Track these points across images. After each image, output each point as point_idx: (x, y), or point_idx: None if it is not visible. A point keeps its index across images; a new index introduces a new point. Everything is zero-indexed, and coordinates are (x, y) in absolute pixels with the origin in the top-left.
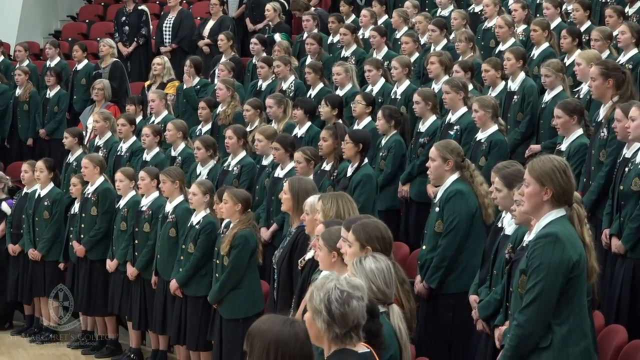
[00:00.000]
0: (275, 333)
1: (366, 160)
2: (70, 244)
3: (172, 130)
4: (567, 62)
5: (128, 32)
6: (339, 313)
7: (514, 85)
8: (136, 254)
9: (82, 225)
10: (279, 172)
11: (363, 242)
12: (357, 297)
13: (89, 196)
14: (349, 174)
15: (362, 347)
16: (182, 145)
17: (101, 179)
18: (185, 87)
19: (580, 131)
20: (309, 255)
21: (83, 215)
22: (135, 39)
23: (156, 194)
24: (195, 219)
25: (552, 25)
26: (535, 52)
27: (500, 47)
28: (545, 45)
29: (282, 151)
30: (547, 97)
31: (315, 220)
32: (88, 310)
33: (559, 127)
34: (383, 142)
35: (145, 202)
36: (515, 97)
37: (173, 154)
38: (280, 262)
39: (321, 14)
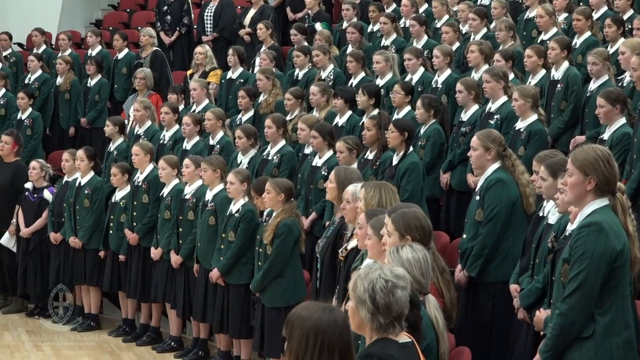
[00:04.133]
0: (315, 320)
1: (411, 148)
2: (111, 232)
3: (212, 120)
4: (611, 50)
5: (170, 22)
6: (383, 303)
7: (557, 74)
8: (180, 242)
9: (134, 214)
10: (317, 161)
11: (402, 231)
12: (401, 287)
13: (140, 184)
14: (394, 162)
15: (403, 337)
16: (220, 134)
17: (151, 166)
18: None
19: (623, 120)
20: (350, 244)
21: (134, 203)
22: (178, 28)
23: (200, 182)
24: (234, 207)
25: (598, 14)
26: (578, 41)
27: (543, 37)
28: (588, 34)
29: (320, 139)
30: (593, 85)
31: (356, 209)
32: (142, 297)
33: (601, 117)
34: (422, 131)
35: (189, 190)
36: (558, 85)
37: (211, 142)
38: (323, 252)
39: (362, 2)
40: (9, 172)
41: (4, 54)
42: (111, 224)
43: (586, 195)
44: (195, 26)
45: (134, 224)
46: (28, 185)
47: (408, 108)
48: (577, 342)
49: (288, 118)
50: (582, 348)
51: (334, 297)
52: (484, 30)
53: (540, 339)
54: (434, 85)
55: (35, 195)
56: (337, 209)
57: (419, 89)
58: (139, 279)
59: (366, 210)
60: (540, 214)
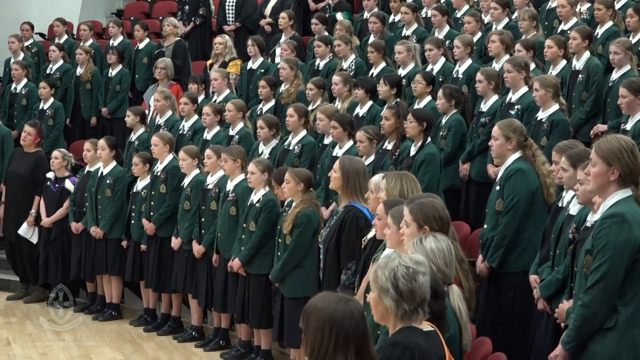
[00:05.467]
0: (330, 311)
1: (429, 139)
2: (132, 222)
3: (232, 111)
4: (633, 40)
5: (187, 12)
6: (406, 289)
7: (578, 64)
8: (202, 232)
9: (152, 203)
10: (337, 151)
11: (420, 222)
12: (422, 273)
13: (158, 174)
14: (412, 153)
15: (426, 326)
16: (240, 125)
17: (170, 156)
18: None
19: None
20: (369, 234)
21: (152, 193)
22: (193, 19)
23: (222, 172)
24: (255, 197)
25: (619, 4)
26: (599, 31)
27: (563, 27)
28: (610, 24)
29: (340, 130)
30: (615, 75)
31: (378, 199)
32: (158, 287)
33: (623, 107)
34: (443, 121)
35: (211, 181)
36: (580, 76)
37: (231, 133)
38: (327, 241)
39: None
40: (29, 162)
41: (26, 44)
42: (133, 214)
43: (609, 186)
44: (215, 16)
45: (152, 213)
46: (50, 175)
47: (429, 98)
48: (600, 334)
49: (310, 108)
50: (605, 339)
51: (337, 288)
52: (506, 20)
53: (560, 328)
54: (454, 76)
55: (57, 185)
56: (341, 198)
57: (440, 79)
58: (155, 269)
59: (385, 200)
60: (560, 205)
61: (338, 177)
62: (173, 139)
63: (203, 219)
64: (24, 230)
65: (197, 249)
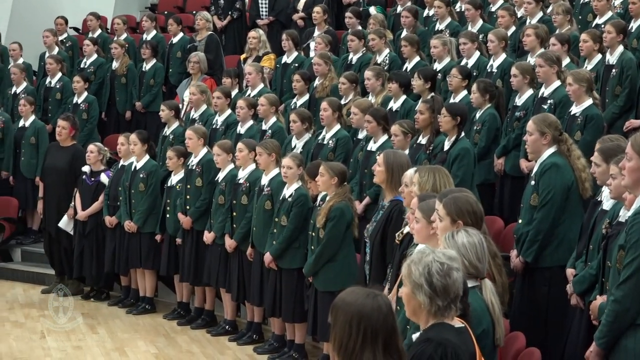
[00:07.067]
0: (358, 306)
1: (463, 133)
2: (167, 216)
3: (265, 105)
4: None
5: (223, 6)
6: (440, 285)
7: (612, 58)
8: (234, 226)
9: (187, 197)
10: (372, 146)
11: (454, 216)
12: (456, 269)
13: (194, 167)
14: (446, 147)
15: (457, 322)
16: (273, 119)
17: (204, 150)
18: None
19: None
20: (407, 229)
21: (188, 186)
22: (230, 13)
23: (253, 166)
24: (288, 191)
25: None
26: (634, 25)
27: (597, 20)
28: None
29: (374, 124)
30: None
31: (411, 193)
32: (195, 280)
33: None
34: (477, 115)
35: (242, 175)
36: (613, 70)
37: (264, 127)
38: (373, 236)
39: None
40: (67, 156)
41: (60, 38)
42: (167, 208)
43: None
44: (248, 10)
45: (187, 207)
46: (85, 168)
47: (464, 92)
48: (632, 329)
49: (342, 102)
50: (637, 334)
51: (385, 282)
52: (540, 14)
53: (595, 325)
54: (489, 70)
55: (93, 179)
56: (386, 192)
57: (475, 74)
58: (192, 263)
59: (419, 194)
60: (599, 199)
61: (382, 171)
62: (207, 132)
63: (235, 213)
64: (65, 223)
65: (229, 243)
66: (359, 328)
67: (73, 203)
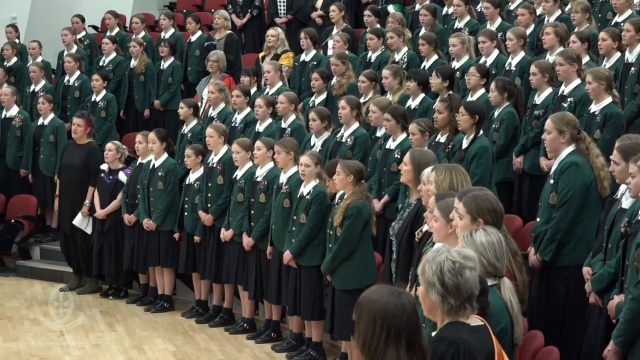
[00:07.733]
0: (382, 304)
1: (481, 132)
2: (186, 214)
3: (284, 103)
4: None
5: (241, 4)
6: (452, 284)
7: (631, 56)
8: (252, 224)
9: (209, 195)
10: (391, 144)
11: (474, 214)
12: (470, 268)
13: (214, 165)
14: (464, 146)
15: (475, 320)
16: (292, 117)
17: (225, 148)
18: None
19: None
20: (426, 227)
21: (209, 184)
22: (249, 11)
23: (271, 164)
24: (305, 189)
25: None
26: None
27: (617, 19)
28: None
29: (393, 122)
30: None
31: (428, 192)
32: (217, 278)
33: None
34: (496, 114)
35: (260, 173)
36: (632, 68)
37: (283, 125)
38: (400, 234)
39: None
40: (82, 153)
41: (78, 36)
42: (186, 206)
43: None
44: (266, 8)
45: (209, 205)
46: (104, 166)
47: (482, 91)
48: None
49: (362, 100)
50: None
51: (409, 280)
52: (558, 12)
53: (613, 323)
54: (507, 68)
55: (111, 177)
56: (412, 191)
57: (493, 72)
58: (213, 260)
59: (437, 193)
60: (616, 197)
61: (409, 170)
62: (227, 130)
63: (252, 211)
64: (79, 220)
65: (247, 241)
66: (382, 326)
67: (87, 201)
